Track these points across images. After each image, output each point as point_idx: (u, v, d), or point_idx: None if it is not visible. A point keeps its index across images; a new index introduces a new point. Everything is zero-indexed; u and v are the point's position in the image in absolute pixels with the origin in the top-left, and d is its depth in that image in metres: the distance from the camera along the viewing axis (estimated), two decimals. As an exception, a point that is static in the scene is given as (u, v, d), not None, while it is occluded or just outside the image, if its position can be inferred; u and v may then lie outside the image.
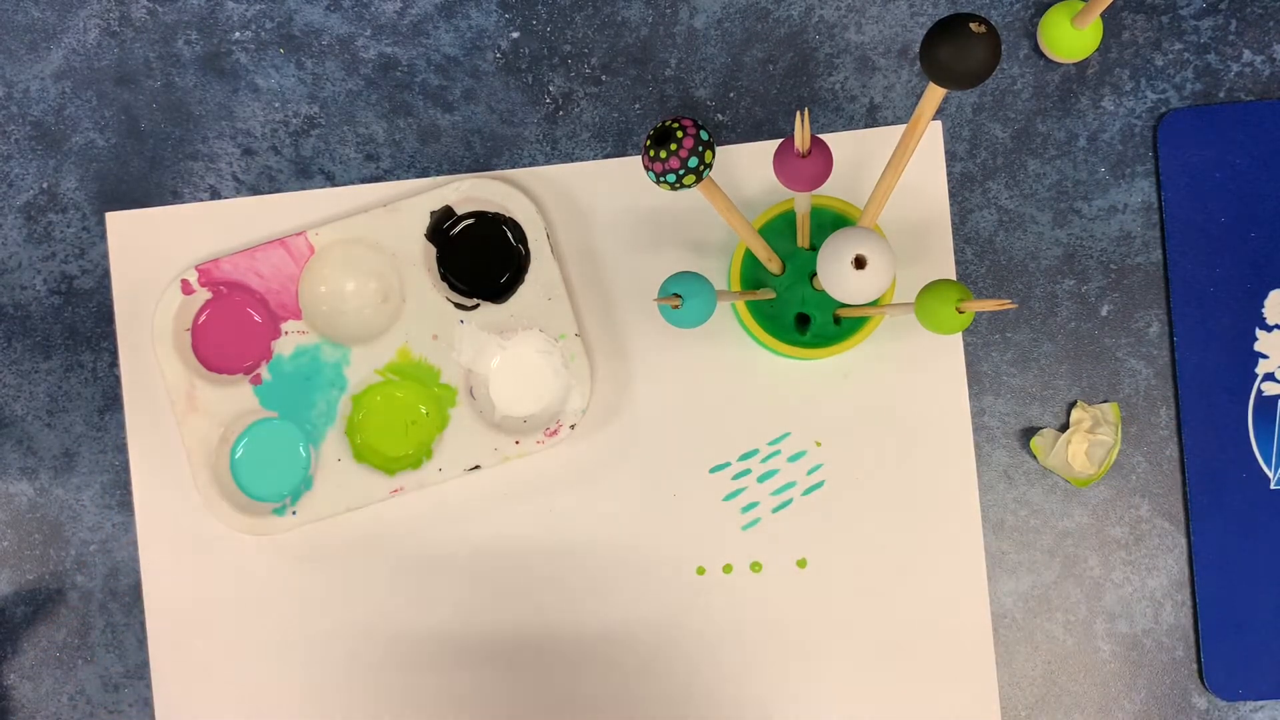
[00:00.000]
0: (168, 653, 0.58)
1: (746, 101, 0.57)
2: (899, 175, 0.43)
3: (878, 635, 0.57)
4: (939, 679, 0.57)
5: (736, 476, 0.57)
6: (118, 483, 0.58)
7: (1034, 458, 0.57)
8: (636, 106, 0.57)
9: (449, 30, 0.58)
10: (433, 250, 0.57)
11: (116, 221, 0.58)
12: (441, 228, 0.57)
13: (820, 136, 0.48)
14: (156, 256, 0.58)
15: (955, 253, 0.57)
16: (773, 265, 0.51)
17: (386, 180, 0.58)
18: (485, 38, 0.58)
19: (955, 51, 0.35)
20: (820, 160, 0.43)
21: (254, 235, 0.58)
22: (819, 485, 0.57)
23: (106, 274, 0.58)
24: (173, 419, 0.58)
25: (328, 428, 0.56)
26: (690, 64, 0.57)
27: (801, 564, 0.57)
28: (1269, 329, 0.56)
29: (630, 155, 0.57)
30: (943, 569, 0.57)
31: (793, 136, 0.42)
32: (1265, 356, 0.56)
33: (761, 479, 0.57)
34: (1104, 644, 0.57)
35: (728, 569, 0.57)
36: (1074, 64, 0.57)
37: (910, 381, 0.57)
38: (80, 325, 0.58)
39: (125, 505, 0.58)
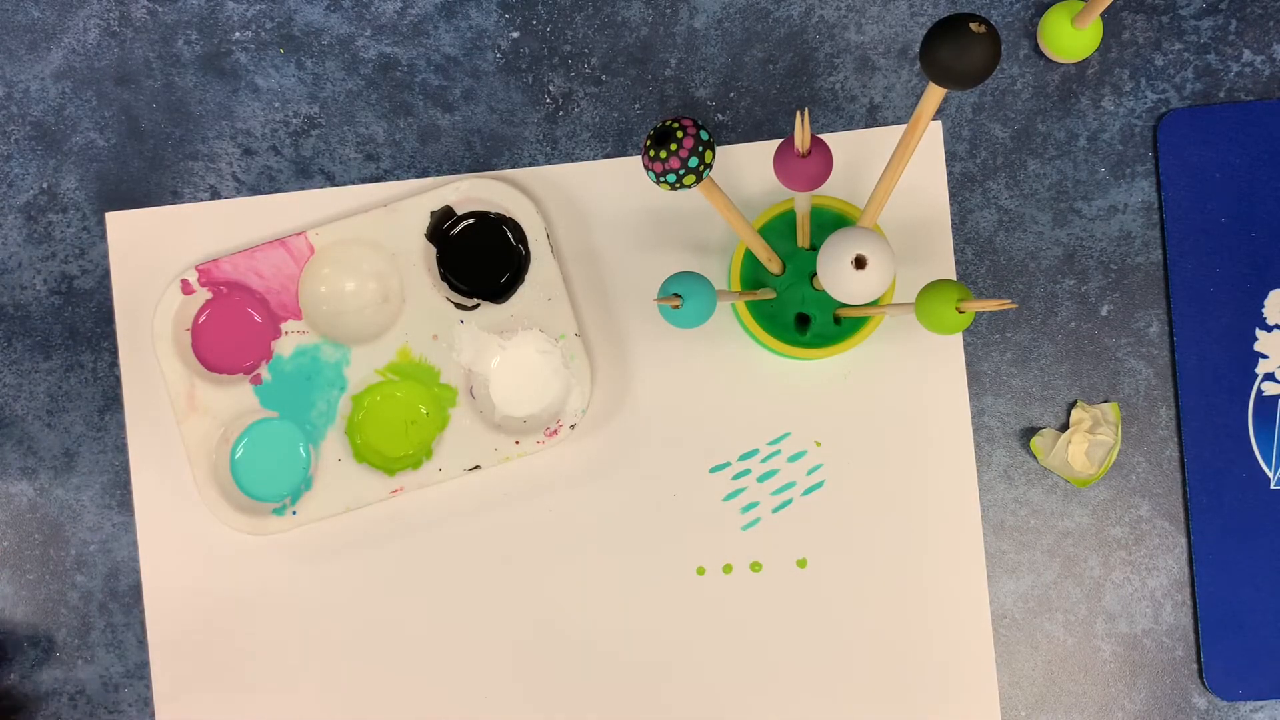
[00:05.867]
0: (168, 653, 0.58)
1: (746, 101, 0.57)
2: (899, 175, 0.43)
3: (877, 635, 0.57)
4: (939, 679, 0.57)
5: (736, 476, 0.57)
6: (118, 483, 0.58)
7: (1034, 458, 0.57)
8: (636, 106, 0.57)
9: (449, 30, 0.58)
10: (433, 250, 0.57)
11: (116, 221, 0.58)
12: (441, 228, 0.57)
13: (820, 136, 0.48)
14: (156, 256, 0.58)
15: (955, 253, 0.57)
16: (773, 265, 0.51)
17: (386, 180, 0.58)
18: (485, 38, 0.58)
19: (955, 51, 0.35)
20: (820, 160, 0.43)
21: (254, 235, 0.58)
22: (819, 485, 0.57)
23: (106, 274, 0.58)
24: (173, 419, 0.58)
25: (328, 428, 0.56)
26: (690, 64, 0.57)
27: (801, 564, 0.57)
28: (1269, 329, 0.56)
29: (630, 155, 0.57)
30: (943, 569, 0.57)
31: (793, 136, 0.42)
32: (1265, 356, 0.56)
33: (761, 479, 0.57)
34: (1104, 644, 0.57)
35: (728, 569, 0.57)
36: (1074, 64, 0.57)
37: (910, 381, 0.57)
38: (80, 325, 0.58)
39: (125, 505, 0.58)
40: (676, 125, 0.40)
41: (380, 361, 0.56)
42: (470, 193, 0.56)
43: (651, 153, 0.41)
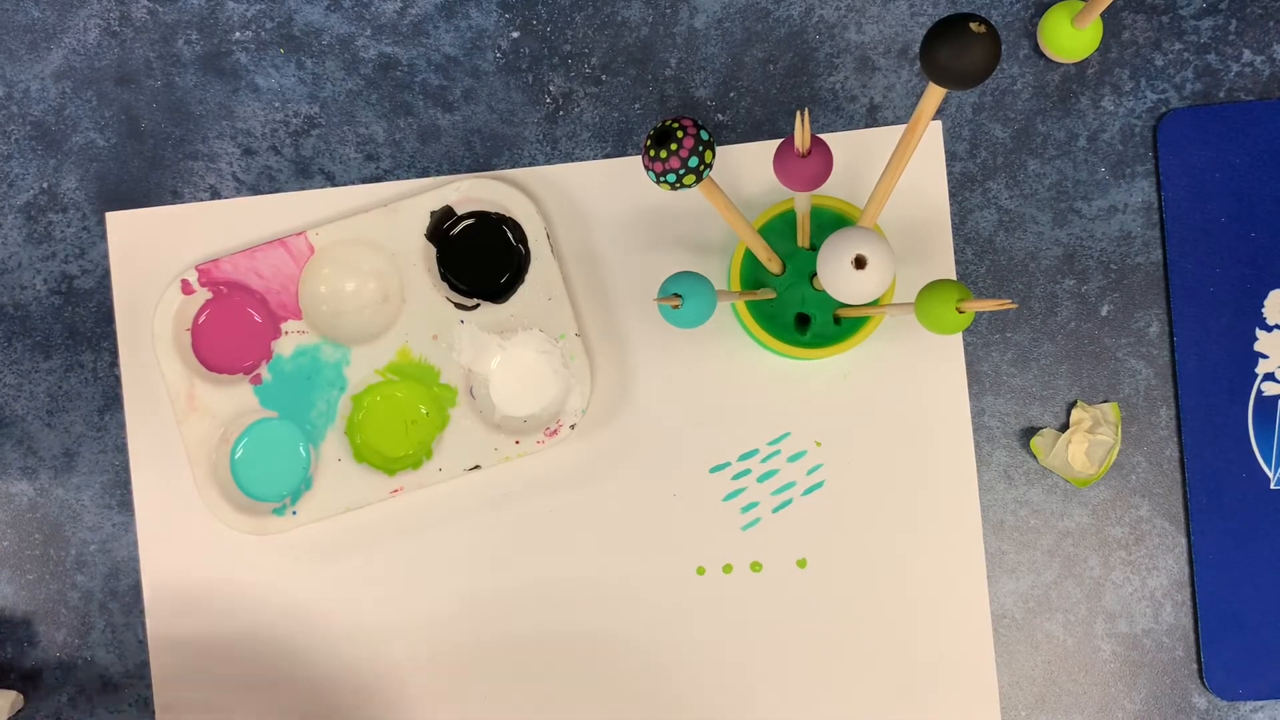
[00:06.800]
0: (168, 653, 0.58)
1: (746, 101, 0.57)
2: (899, 175, 0.43)
3: (878, 635, 0.57)
4: (939, 679, 0.57)
5: (736, 476, 0.57)
6: (118, 483, 0.58)
7: (1034, 458, 0.57)
8: (636, 106, 0.57)
9: (449, 30, 0.58)
10: (433, 250, 0.57)
11: (116, 221, 0.58)
12: (441, 228, 0.57)
13: (820, 136, 0.48)
14: (156, 256, 0.58)
15: (955, 253, 0.57)
16: (773, 265, 0.51)
17: (386, 180, 0.58)
18: (485, 38, 0.58)
19: (955, 51, 0.35)
20: (820, 160, 0.43)
21: (254, 235, 0.58)
22: (819, 485, 0.57)
23: (106, 274, 0.58)
24: (173, 419, 0.58)
25: (328, 428, 0.56)
26: (690, 64, 0.57)
27: (801, 564, 0.57)
28: (1269, 329, 0.56)
29: (630, 155, 0.57)
30: (943, 569, 0.57)
31: (793, 136, 0.42)
32: (1265, 356, 0.56)
33: (761, 479, 0.57)
34: (1104, 644, 0.57)
35: (728, 569, 0.57)
36: (1074, 64, 0.57)
37: (910, 381, 0.57)
38: (80, 325, 0.58)
39: (125, 505, 0.58)
40: (676, 125, 0.40)
41: (380, 361, 0.56)
42: (470, 193, 0.56)
43: (651, 153, 0.41)
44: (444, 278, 0.57)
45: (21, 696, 0.57)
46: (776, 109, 0.57)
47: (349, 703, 0.58)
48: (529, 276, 0.56)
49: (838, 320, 0.53)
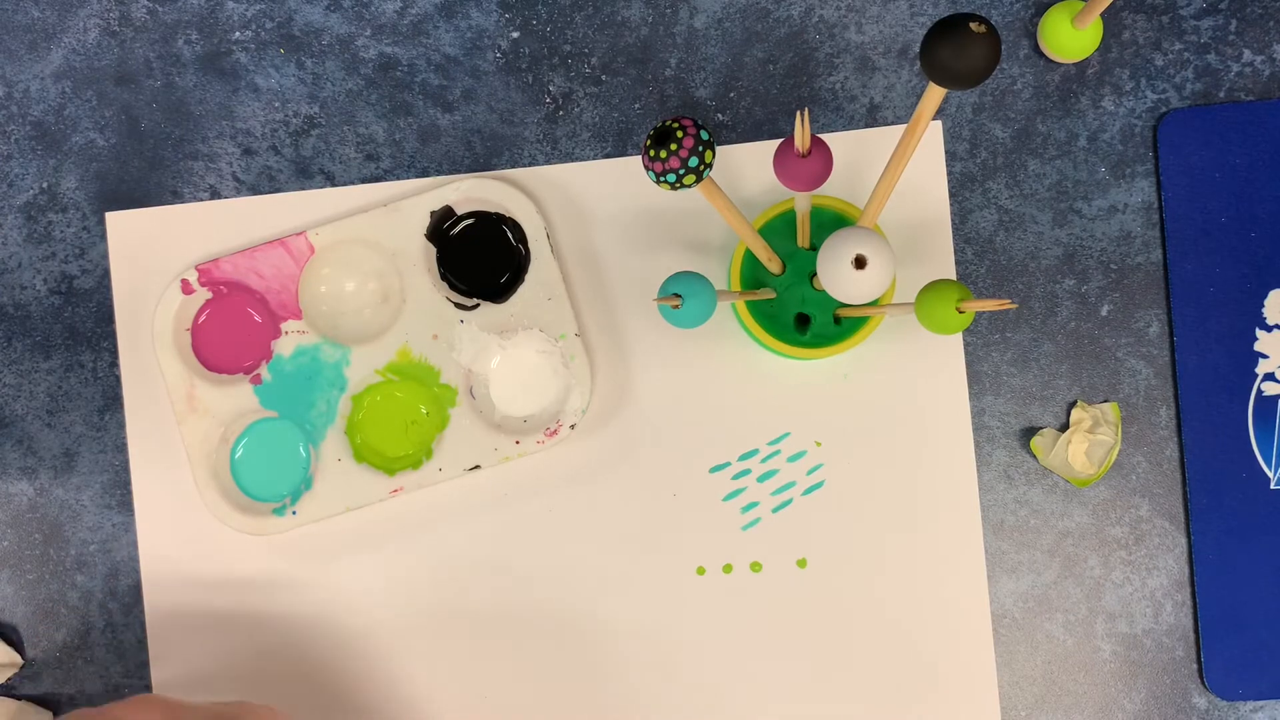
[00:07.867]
0: (168, 653, 0.58)
1: (746, 101, 0.57)
2: (899, 175, 0.43)
3: (878, 635, 0.57)
4: (939, 679, 0.57)
5: (736, 476, 0.57)
6: (118, 483, 0.58)
7: (1034, 458, 0.57)
8: (636, 106, 0.57)
9: (449, 30, 0.58)
10: (433, 250, 0.57)
11: (116, 221, 0.58)
12: (441, 228, 0.57)
13: (820, 136, 0.48)
14: (156, 256, 0.58)
15: (955, 253, 0.57)
16: (773, 265, 0.51)
17: (386, 180, 0.58)
18: (485, 38, 0.58)
19: (955, 51, 0.35)
20: (820, 160, 0.43)
21: (254, 235, 0.58)
22: (819, 485, 0.57)
23: (106, 274, 0.58)
24: (173, 419, 0.58)
25: (328, 428, 0.56)
26: (690, 64, 0.57)
27: (801, 564, 0.57)
28: (1269, 329, 0.56)
29: (630, 155, 0.57)
30: (943, 569, 0.57)
31: (793, 136, 0.42)
32: (1265, 356, 0.56)
33: (761, 479, 0.57)
34: (1104, 644, 0.57)
35: (728, 569, 0.57)
36: (1074, 64, 0.57)
37: (910, 381, 0.57)
38: (80, 325, 0.58)
39: (125, 505, 0.58)
40: (676, 125, 0.40)
41: (380, 361, 0.56)
42: (470, 193, 0.56)
43: (651, 153, 0.41)
44: (444, 278, 0.57)
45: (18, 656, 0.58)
46: (776, 109, 0.57)
47: (348, 701, 0.58)
48: (529, 276, 0.56)
49: (838, 320, 0.53)
